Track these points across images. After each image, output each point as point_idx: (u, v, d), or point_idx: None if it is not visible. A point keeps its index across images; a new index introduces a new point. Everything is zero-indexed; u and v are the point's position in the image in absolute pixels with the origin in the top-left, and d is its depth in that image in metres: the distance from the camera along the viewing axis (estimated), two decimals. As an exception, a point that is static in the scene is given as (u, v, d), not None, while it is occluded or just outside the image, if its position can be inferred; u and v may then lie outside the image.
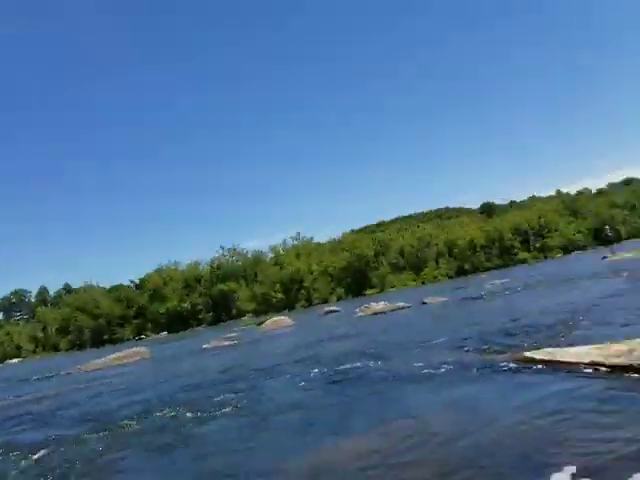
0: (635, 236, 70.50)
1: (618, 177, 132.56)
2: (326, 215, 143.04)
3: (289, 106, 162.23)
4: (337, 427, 4.45)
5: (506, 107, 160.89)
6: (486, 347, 6.85)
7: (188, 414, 6.03)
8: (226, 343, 18.48)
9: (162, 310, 61.35)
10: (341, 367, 7.46)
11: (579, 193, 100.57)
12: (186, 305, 61.27)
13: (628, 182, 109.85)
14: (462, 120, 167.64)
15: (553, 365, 5.01)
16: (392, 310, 19.38)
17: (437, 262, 71.34)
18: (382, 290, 62.67)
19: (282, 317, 26.34)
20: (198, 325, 59.38)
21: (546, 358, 5.21)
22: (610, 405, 3.57)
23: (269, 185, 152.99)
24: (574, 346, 5.40)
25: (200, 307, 62.27)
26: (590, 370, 4.59)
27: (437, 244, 72.53)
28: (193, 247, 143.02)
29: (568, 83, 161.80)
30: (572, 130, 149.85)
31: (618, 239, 59.67)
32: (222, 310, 62.06)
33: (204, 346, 18.76)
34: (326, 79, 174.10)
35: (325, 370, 7.56)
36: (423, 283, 64.90)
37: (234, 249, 69.73)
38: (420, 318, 14.30)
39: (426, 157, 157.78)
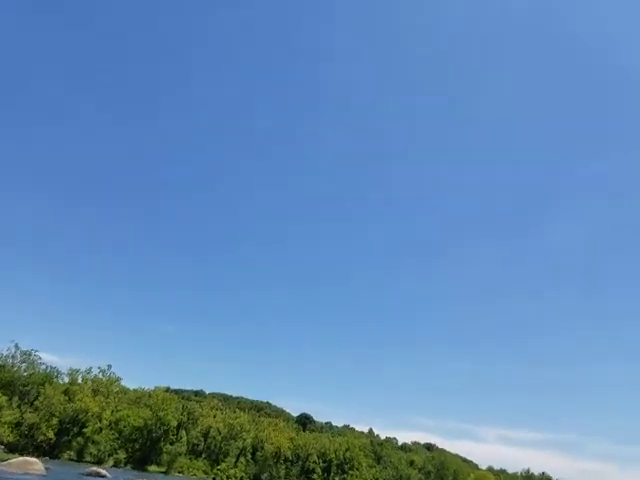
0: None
1: (421, 437, 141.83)
2: (150, 362, 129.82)
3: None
4: None
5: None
6: None
7: None
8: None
9: None
10: None
11: (387, 440, 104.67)
12: None
13: (429, 447, 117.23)
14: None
15: None
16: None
17: (237, 459, 65.58)
18: (167, 472, 54.74)
19: (36, 460, 21.12)
20: None
21: None
22: None
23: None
24: None
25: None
26: None
27: (245, 439, 67.58)
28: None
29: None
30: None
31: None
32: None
33: None
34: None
35: None
36: (214, 479, 58.29)
37: (29, 354, 56.47)
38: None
39: (262, 348, 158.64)
